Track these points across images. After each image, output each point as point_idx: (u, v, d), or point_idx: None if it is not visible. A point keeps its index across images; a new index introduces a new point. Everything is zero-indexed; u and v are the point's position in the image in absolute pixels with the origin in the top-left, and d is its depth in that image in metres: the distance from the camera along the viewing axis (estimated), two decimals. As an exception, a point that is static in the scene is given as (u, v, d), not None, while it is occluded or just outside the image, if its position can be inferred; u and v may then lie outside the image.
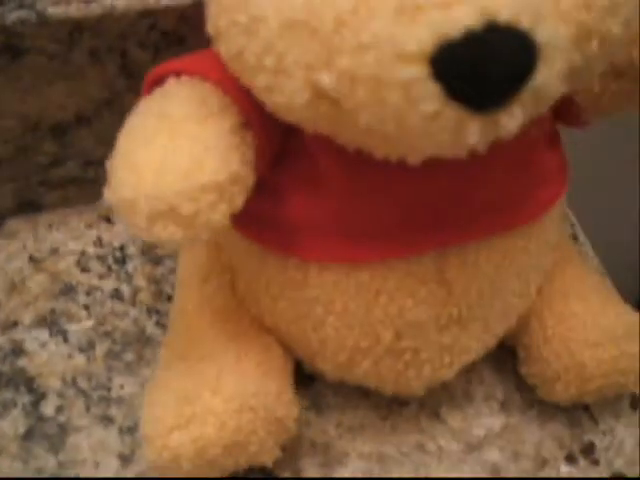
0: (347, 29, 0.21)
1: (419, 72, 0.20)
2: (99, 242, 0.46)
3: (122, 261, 0.46)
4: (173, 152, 0.27)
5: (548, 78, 0.21)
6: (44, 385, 0.40)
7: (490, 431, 0.40)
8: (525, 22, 0.20)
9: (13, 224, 0.47)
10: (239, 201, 0.28)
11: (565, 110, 0.33)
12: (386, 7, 0.21)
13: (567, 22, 0.22)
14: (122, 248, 0.46)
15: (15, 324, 0.42)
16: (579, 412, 0.42)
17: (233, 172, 0.27)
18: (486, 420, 0.41)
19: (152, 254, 0.46)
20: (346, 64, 0.22)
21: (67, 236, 0.47)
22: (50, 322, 0.43)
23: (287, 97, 0.24)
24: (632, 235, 0.84)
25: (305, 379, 0.40)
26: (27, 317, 0.43)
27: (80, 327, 0.43)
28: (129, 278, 0.45)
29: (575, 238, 0.50)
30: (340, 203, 0.32)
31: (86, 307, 0.43)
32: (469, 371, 0.41)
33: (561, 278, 0.40)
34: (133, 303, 0.44)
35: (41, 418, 0.39)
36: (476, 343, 0.37)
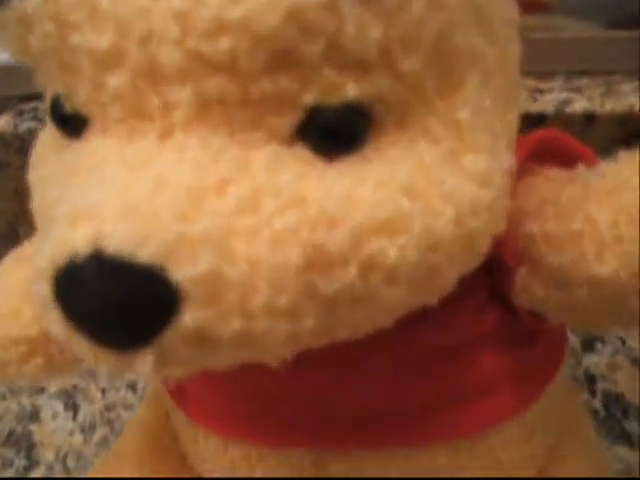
0: None
1: (46, 291, 0.17)
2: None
3: (148, 356, 0.47)
4: (7, 297, 0.28)
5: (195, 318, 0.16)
6: (40, 455, 0.44)
7: None
8: (143, 257, 0.16)
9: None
10: (62, 358, 0.28)
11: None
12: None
13: (296, 246, 0.17)
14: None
15: (42, 391, 0.47)
16: None
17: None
18: None
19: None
20: None
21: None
22: (68, 396, 0.46)
23: None
24: None
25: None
26: (53, 387, 0.47)
27: (90, 408, 0.45)
28: (148, 373, 0.46)
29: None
30: (204, 382, 0.30)
31: (103, 391, 0.46)
32: None
33: None
34: (142, 397, 0.45)
35: (26, 484, 0.42)
36: None
